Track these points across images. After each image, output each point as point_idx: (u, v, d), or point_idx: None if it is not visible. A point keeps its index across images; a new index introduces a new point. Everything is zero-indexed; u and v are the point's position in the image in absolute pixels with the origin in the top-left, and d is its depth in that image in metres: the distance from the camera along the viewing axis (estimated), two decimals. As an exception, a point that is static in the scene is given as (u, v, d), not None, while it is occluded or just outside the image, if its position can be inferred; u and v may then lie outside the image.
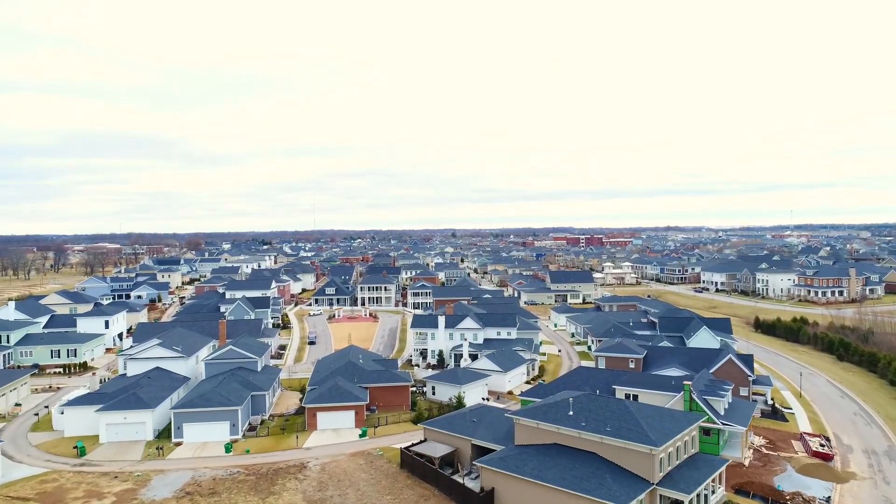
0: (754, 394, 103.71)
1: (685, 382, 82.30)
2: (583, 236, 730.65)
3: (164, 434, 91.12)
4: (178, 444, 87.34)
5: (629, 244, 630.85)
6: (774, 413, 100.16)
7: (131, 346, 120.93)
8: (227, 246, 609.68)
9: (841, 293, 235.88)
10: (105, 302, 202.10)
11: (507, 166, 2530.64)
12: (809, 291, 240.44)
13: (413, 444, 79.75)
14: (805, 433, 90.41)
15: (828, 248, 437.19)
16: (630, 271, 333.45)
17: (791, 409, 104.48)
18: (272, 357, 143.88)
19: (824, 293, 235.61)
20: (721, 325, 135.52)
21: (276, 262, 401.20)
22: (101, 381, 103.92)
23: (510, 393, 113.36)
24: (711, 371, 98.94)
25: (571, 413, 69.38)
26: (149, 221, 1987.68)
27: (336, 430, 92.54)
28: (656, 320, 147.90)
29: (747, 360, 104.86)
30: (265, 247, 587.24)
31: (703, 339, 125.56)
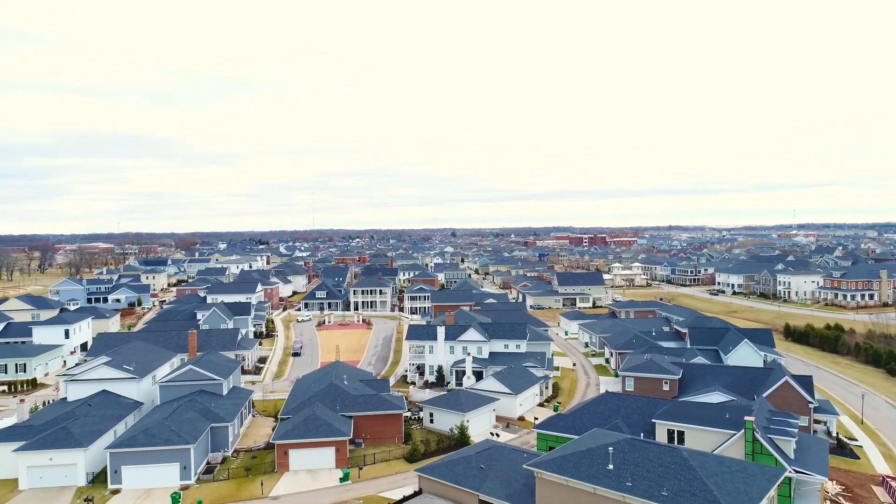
0: (815, 422, 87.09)
1: (747, 418, 65.51)
2: (585, 236, 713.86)
3: (102, 477, 74.26)
4: (116, 491, 70.55)
5: (634, 244, 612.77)
6: (841, 448, 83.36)
7: (77, 364, 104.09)
8: (222, 246, 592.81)
9: (871, 297, 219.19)
10: (73, 307, 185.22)
11: (507, 166, 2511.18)
12: (837, 295, 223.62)
13: (405, 499, 63.13)
14: (887, 476, 73.61)
15: (841, 248, 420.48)
16: (640, 272, 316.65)
17: (857, 440, 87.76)
18: (249, 372, 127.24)
19: (853, 297, 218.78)
20: (761, 338, 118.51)
21: (268, 263, 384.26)
22: (31, 410, 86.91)
23: (521, 419, 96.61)
24: (764, 396, 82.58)
25: (611, 467, 52.73)
26: (148, 221, 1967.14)
27: (312, 471, 75.99)
28: (684, 330, 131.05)
29: (805, 382, 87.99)
30: (261, 246, 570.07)
31: (745, 354, 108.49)
